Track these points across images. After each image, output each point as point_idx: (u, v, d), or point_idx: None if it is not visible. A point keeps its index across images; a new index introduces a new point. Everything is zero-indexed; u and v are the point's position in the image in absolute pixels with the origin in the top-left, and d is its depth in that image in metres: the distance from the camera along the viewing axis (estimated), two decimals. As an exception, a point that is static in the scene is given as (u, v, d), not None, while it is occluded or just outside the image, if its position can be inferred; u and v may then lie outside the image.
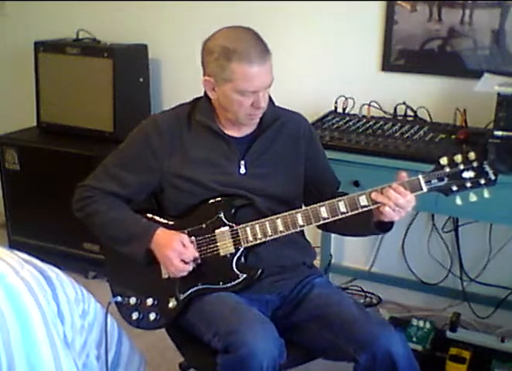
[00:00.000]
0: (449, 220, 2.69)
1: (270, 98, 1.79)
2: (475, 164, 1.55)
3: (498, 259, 2.66)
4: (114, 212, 1.78)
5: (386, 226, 1.65)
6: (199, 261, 1.74)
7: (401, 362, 1.59)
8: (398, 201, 1.55)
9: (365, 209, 1.60)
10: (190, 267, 1.71)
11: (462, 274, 2.75)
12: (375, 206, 1.59)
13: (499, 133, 2.09)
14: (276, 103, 1.84)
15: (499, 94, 2.10)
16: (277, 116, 1.81)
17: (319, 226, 1.86)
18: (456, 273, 2.76)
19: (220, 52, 1.62)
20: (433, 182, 1.57)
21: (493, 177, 1.55)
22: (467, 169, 1.55)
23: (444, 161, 1.56)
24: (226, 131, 1.78)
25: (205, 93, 1.77)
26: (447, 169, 1.56)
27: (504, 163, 1.95)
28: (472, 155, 1.55)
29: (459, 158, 1.55)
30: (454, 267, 2.76)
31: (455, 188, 1.56)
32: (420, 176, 1.57)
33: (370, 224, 1.65)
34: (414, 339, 2.42)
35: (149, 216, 1.83)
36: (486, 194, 1.55)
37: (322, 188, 1.85)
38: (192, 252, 1.71)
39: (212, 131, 1.76)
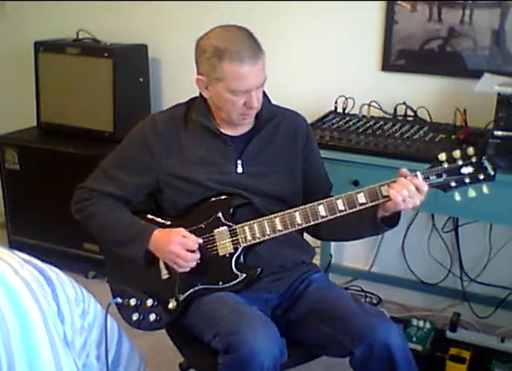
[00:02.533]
0: (449, 220, 2.69)
1: (266, 96, 1.79)
2: (473, 159, 1.54)
3: (498, 259, 2.66)
4: (112, 215, 1.78)
5: (391, 222, 1.65)
6: (200, 241, 1.72)
7: (398, 354, 1.60)
8: (409, 187, 1.54)
9: (363, 206, 1.60)
10: (198, 255, 1.71)
11: (462, 274, 2.75)
12: (373, 204, 1.59)
13: (499, 133, 2.09)
14: (274, 103, 1.84)
15: (499, 94, 2.10)
16: (273, 114, 1.81)
17: (321, 236, 1.86)
18: (456, 273, 2.76)
19: (212, 52, 1.62)
20: (431, 178, 1.56)
21: (492, 172, 1.54)
22: (466, 165, 1.55)
23: (442, 157, 1.56)
24: (222, 130, 1.78)
25: (200, 93, 1.77)
26: (445, 165, 1.55)
27: (503, 159, 1.95)
28: (470, 150, 1.54)
29: (457, 153, 1.55)
30: (454, 267, 2.76)
31: (453, 184, 1.56)
32: (418, 173, 1.57)
33: (375, 220, 1.64)
34: (414, 339, 2.42)
35: (149, 216, 1.83)
36: (485, 189, 1.55)
37: (312, 190, 1.83)
38: (194, 239, 1.70)
39: (208, 130, 1.76)
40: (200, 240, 1.72)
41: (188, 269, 1.71)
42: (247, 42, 1.64)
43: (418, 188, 1.55)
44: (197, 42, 1.69)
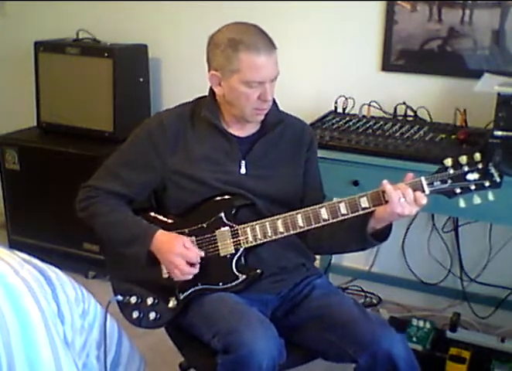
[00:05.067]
0: (449, 220, 2.69)
1: (275, 102, 1.79)
2: (480, 165, 1.51)
3: (498, 259, 2.66)
4: (116, 214, 1.77)
5: (381, 237, 1.63)
6: (202, 254, 1.72)
7: (402, 364, 1.59)
8: (406, 191, 1.51)
9: (366, 210, 1.59)
10: (197, 270, 1.70)
11: (462, 274, 2.75)
12: (375, 208, 1.58)
13: (499, 133, 2.09)
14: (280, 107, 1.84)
15: (499, 94, 2.10)
16: (281, 119, 1.81)
17: (310, 248, 1.85)
18: (456, 273, 2.76)
19: (227, 44, 1.63)
20: (436, 184, 1.53)
21: (498, 179, 1.51)
22: (471, 171, 1.52)
23: (448, 162, 1.53)
24: (229, 130, 1.77)
25: (210, 91, 1.77)
26: (451, 171, 1.53)
27: (509, 164, 1.93)
28: (477, 156, 1.51)
29: (463, 159, 1.52)
30: (454, 267, 2.76)
31: (458, 190, 1.53)
32: (422, 178, 1.54)
33: (364, 233, 1.62)
34: (414, 339, 2.42)
35: (152, 214, 1.83)
36: (490, 196, 1.52)
37: (303, 198, 1.81)
38: (196, 253, 1.70)
39: (215, 128, 1.76)
40: (202, 253, 1.71)
41: (183, 279, 1.71)
42: (261, 34, 1.66)
43: (415, 199, 1.52)
44: (210, 38, 1.70)
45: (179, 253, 1.68)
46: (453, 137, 2.31)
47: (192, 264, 1.70)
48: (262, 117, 1.76)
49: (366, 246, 1.69)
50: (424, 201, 1.52)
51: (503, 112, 2.09)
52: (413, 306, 2.87)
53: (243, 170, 1.77)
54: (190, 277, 1.71)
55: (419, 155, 2.15)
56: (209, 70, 1.71)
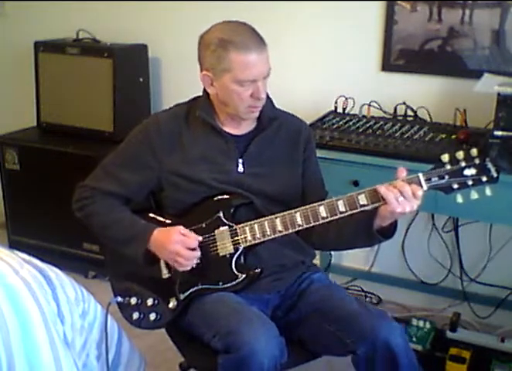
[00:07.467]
0: (449, 220, 2.69)
1: (270, 100, 1.79)
2: (477, 161, 1.52)
3: (498, 259, 2.66)
4: (113, 214, 1.78)
5: (388, 233, 1.63)
6: (200, 238, 1.72)
7: (400, 353, 1.60)
8: (404, 188, 1.52)
9: (364, 208, 1.59)
10: (199, 253, 1.70)
11: (462, 274, 2.75)
12: (374, 206, 1.58)
13: (499, 133, 2.09)
14: (276, 104, 1.84)
15: (499, 94, 2.10)
16: (276, 116, 1.81)
17: (311, 243, 1.84)
18: (456, 273, 2.76)
19: (217, 44, 1.63)
20: (433, 179, 1.54)
21: (495, 174, 1.52)
22: (468, 166, 1.52)
23: (445, 158, 1.53)
24: (225, 129, 1.78)
25: (204, 91, 1.77)
26: (448, 166, 1.53)
27: (506, 160, 1.93)
28: (474, 152, 1.52)
29: (460, 154, 1.52)
30: (454, 267, 2.76)
31: (456, 186, 1.54)
32: (420, 174, 1.54)
33: (370, 230, 1.62)
34: (414, 339, 2.42)
35: (150, 215, 1.83)
36: (488, 192, 1.53)
37: (304, 195, 1.81)
38: (193, 237, 1.70)
39: (211, 127, 1.76)
40: (200, 238, 1.71)
41: (189, 267, 1.71)
42: (250, 33, 1.66)
43: (413, 193, 1.52)
44: (200, 38, 1.70)
45: (177, 240, 1.68)
46: (453, 137, 2.31)
47: (192, 249, 1.69)
48: (257, 115, 1.76)
49: (372, 243, 1.71)
50: (420, 192, 1.52)
51: (503, 112, 2.09)
52: (413, 306, 2.87)
53: (240, 169, 1.77)
54: (194, 262, 1.70)
55: (419, 155, 2.15)
56: (201, 70, 1.71)
